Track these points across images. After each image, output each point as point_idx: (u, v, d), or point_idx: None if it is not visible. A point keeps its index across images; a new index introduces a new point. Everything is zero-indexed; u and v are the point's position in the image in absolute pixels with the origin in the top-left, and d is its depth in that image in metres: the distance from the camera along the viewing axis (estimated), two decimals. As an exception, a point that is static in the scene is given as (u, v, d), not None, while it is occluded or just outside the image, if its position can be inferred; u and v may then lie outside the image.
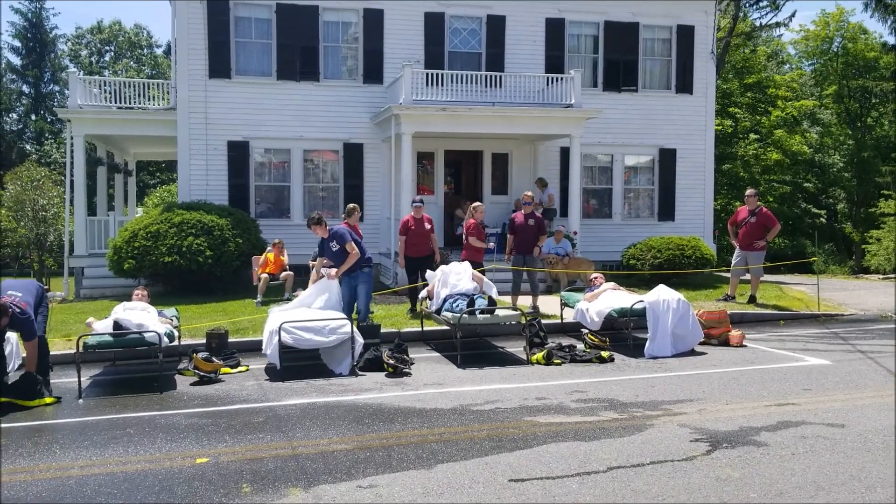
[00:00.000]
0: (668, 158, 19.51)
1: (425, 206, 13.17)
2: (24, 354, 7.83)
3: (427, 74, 16.48)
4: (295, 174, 17.83)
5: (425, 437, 6.28)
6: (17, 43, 48.37)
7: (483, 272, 12.33)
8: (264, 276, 13.89)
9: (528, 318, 9.99)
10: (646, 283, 14.84)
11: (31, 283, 8.20)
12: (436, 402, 7.44)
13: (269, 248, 14.90)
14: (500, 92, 17.00)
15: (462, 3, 18.16)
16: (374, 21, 17.83)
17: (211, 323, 11.32)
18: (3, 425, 6.85)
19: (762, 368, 8.95)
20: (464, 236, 12.49)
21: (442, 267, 10.50)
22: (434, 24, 18.04)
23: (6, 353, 8.08)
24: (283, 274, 14.02)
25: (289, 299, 13.02)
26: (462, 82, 16.73)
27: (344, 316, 9.02)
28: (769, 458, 5.61)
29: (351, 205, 12.40)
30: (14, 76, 48.86)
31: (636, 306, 10.02)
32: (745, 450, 5.82)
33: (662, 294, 10.11)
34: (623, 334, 10.38)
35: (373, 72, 17.90)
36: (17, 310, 7.44)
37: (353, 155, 17.93)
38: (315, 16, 17.61)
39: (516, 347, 10.23)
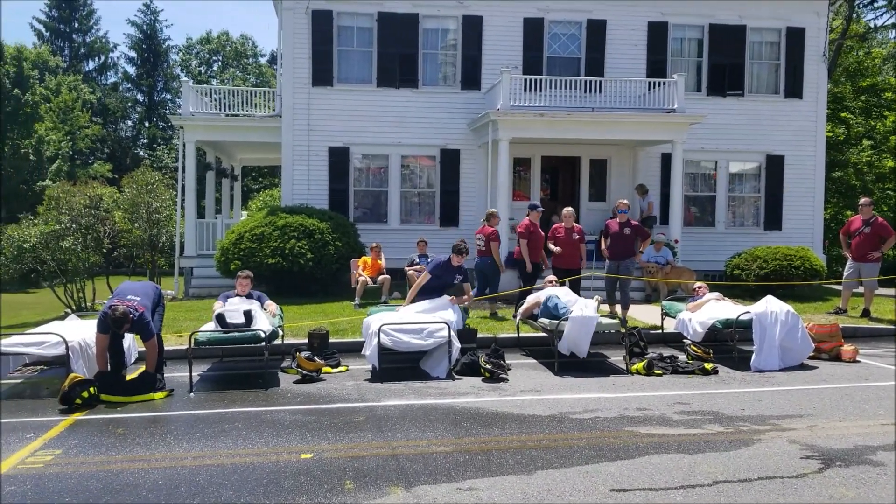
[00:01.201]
0: (775, 165, 18.79)
1: (520, 213, 13.13)
2: (142, 349, 8.23)
3: (525, 80, 16.44)
4: (393, 179, 18.11)
5: (524, 443, 6.24)
6: (132, 54, 51.14)
7: (578, 280, 12.19)
8: (362, 278, 14.15)
9: (627, 327, 9.80)
10: (750, 295, 14.34)
11: (148, 286, 8.61)
12: (533, 409, 7.39)
13: (367, 252, 15.19)
14: (600, 97, 16.78)
15: (562, 9, 18.05)
16: (472, 28, 17.94)
17: (312, 323, 11.61)
18: (121, 416, 7.22)
19: (878, 385, 8.49)
20: (552, 243, 12.42)
21: (548, 291, 10.29)
22: (533, 30, 18.00)
23: (124, 347, 8.55)
24: (381, 277, 14.25)
25: (386, 302, 13.25)
26: (561, 87, 16.61)
27: (442, 320, 9.08)
28: (886, 479, 5.31)
29: (491, 210, 12.61)
30: (130, 85, 51.64)
31: (742, 317, 9.68)
32: (861, 469, 5.53)
33: (770, 305, 9.74)
34: (727, 346, 10.06)
35: (470, 78, 18.00)
36: (136, 314, 7.84)
37: (449, 160, 18.07)
38: (415, 24, 17.86)
39: (615, 356, 10.05)
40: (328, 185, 17.88)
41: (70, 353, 8.03)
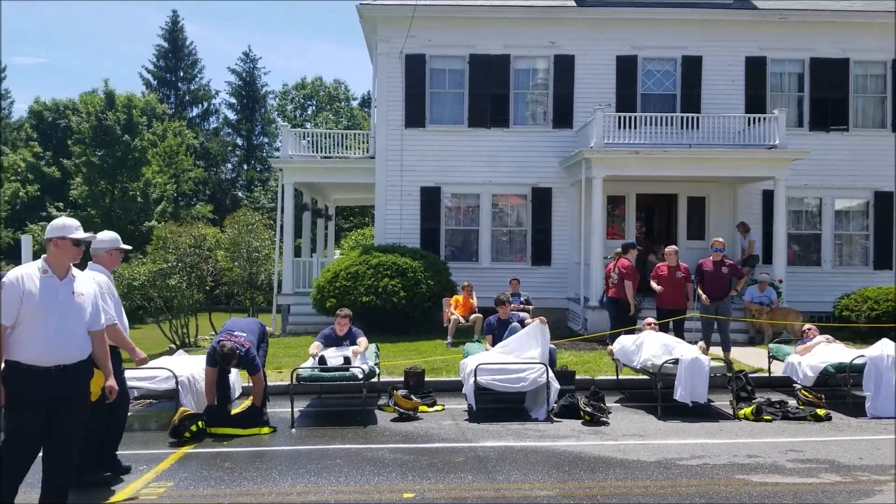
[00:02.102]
0: (884, 202, 17.93)
1: (613, 252, 12.93)
2: (246, 384, 8.45)
3: (619, 117, 16.32)
4: (484, 218, 18.17)
5: (630, 489, 6.06)
6: (232, 100, 53.47)
7: (682, 321, 11.86)
8: (454, 317, 14.17)
9: (734, 371, 9.44)
10: (861, 337, 13.63)
11: (253, 323, 8.88)
12: (637, 454, 7.17)
13: (458, 291, 15.23)
14: (697, 133, 16.46)
15: (656, 45, 17.90)
16: (564, 67, 17.98)
17: (406, 361, 11.68)
18: (227, 450, 7.40)
19: None
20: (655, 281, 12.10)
21: (646, 335, 10.04)
22: (626, 67, 17.90)
23: (230, 381, 8.81)
24: (473, 316, 14.24)
25: (478, 341, 13.20)
26: (655, 124, 16.40)
27: (540, 361, 8.97)
28: None
29: (628, 241, 12.70)
30: (230, 130, 53.94)
31: (856, 361, 9.19)
32: None
33: (886, 348, 9.21)
34: (840, 391, 9.55)
35: (562, 116, 17.99)
36: (242, 350, 8.08)
37: (541, 199, 18.03)
38: (507, 65, 18.03)
39: (720, 401, 9.68)
40: (420, 224, 18.09)
41: (179, 387, 8.31)
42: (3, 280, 4.83)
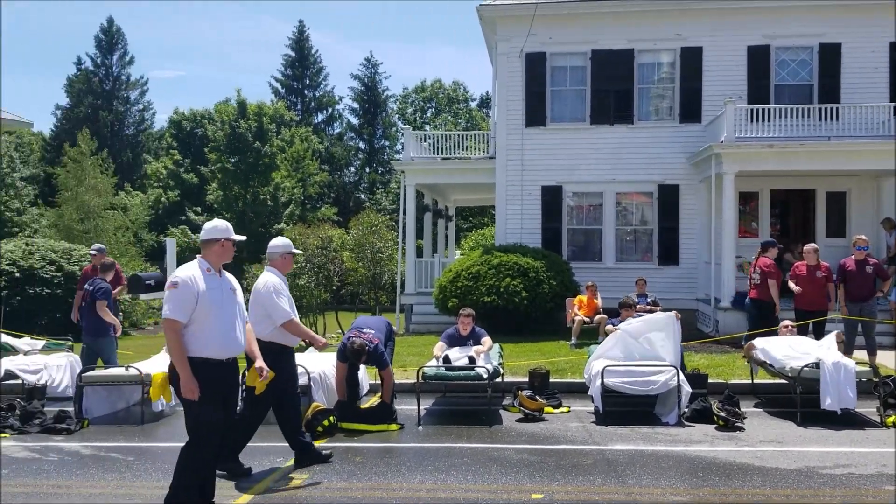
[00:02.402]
0: None
1: (745, 250, 12.37)
2: (373, 381, 8.64)
3: (751, 110, 15.61)
4: (607, 217, 17.83)
5: (769, 498, 5.77)
6: (355, 105, 55.01)
7: (823, 322, 11.24)
8: (578, 318, 13.98)
9: (881, 376, 8.83)
10: None
11: (381, 321, 9.08)
12: (776, 461, 6.82)
13: (582, 291, 15.01)
14: (836, 125, 15.53)
15: (791, 34, 17.01)
16: (691, 59, 17.39)
17: (528, 362, 11.61)
18: (358, 445, 7.59)
19: None
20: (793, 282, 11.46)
21: (784, 337, 9.57)
22: (758, 58, 17.09)
23: (359, 378, 9.05)
24: (597, 317, 14.00)
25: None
26: (790, 116, 15.58)
27: (671, 364, 8.70)
28: None
29: (767, 239, 12.91)
30: (353, 134, 55.50)
31: None
32: None
33: None
34: None
35: (690, 111, 17.41)
36: (371, 346, 8.28)
37: (668, 197, 17.51)
38: (630, 59, 17.63)
39: (865, 408, 9.07)
40: (541, 223, 17.96)
41: (311, 383, 8.60)
42: (176, 280, 5.09)
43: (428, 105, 57.20)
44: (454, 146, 20.70)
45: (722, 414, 8.20)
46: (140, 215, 42.88)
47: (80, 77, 51.30)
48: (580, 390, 9.90)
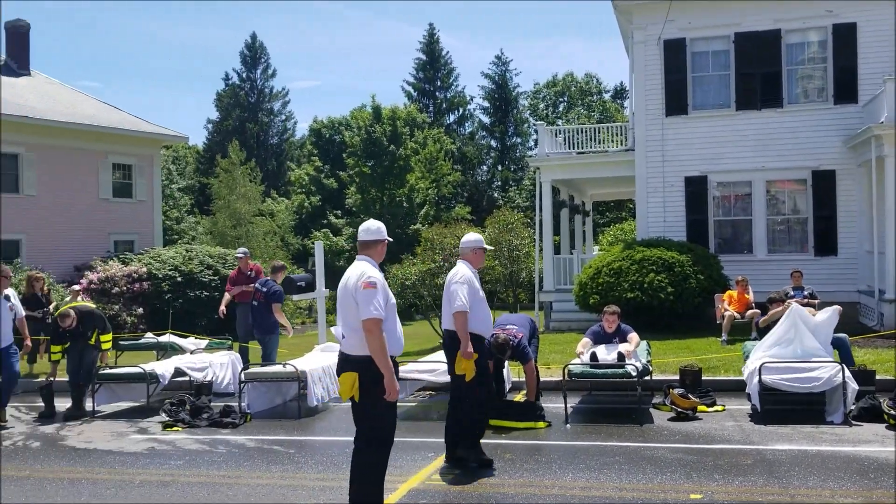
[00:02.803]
0: None
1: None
2: (516, 379, 8.64)
3: (915, 86, 14.41)
4: (757, 207, 16.99)
5: (958, 506, 5.31)
6: (486, 104, 55.25)
7: None
8: (728, 313, 13.40)
9: None
10: None
11: (524, 317, 9.07)
12: (964, 466, 6.27)
13: (731, 285, 14.39)
14: None
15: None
16: (844, 36, 16.28)
17: (676, 359, 11.25)
18: (507, 442, 7.61)
19: None
20: None
21: None
22: (922, 29, 15.77)
23: (504, 375, 9.09)
24: (749, 312, 13.38)
25: (756, 338, 12.36)
26: (962, 91, 14.26)
27: (834, 360, 8.18)
28: None
29: None
30: (484, 133, 55.79)
31: None
32: None
33: None
34: None
35: (844, 91, 16.30)
36: (515, 341, 8.29)
37: (823, 183, 16.47)
38: (777, 40, 16.71)
39: None
40: (685, 215, 17.36)
41: (455, 380, 8.68)
42: (374, 280, 4.96)
43: (560, 99, 56.61)
44: (589, 140, 20.37)
45: (893, 412, 7.62)
46: (286, 220, 45.03)
47: (228, 91, 54.47)
48: (734, 388, 9.52)
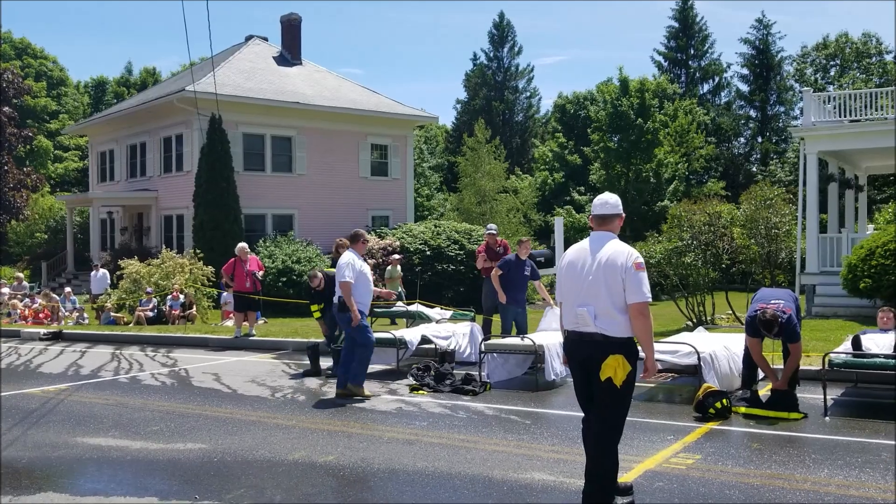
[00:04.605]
0: None
1: None
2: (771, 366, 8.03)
3: None
4: None
5: None
6: (745, 71, 51.60)
7: None
8: None
9: None
10: None
11: (786, 292, 8.34)
12: None
13: None
14: None
15: None
16: None
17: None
18: (755, 431, 7.12)
19: None
20: None
21: None
22: None
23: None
24: None
25: None
26: None
27: None
28: None
29: None
30: (742, 102, 52.22)
31: None
32: None
33: None
34: None
35: None
36: (784, 317, 7.62)
37: None
38: None
39: None
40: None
41: (702, 363, 8.27)
42: (641, 260, 4.82)
43: (832, 63, 51.34)
44: (865, 106, 18.25)
45: None
46: (529, 197, 45.56)
47: (476, 71, 56.08)
48: None
